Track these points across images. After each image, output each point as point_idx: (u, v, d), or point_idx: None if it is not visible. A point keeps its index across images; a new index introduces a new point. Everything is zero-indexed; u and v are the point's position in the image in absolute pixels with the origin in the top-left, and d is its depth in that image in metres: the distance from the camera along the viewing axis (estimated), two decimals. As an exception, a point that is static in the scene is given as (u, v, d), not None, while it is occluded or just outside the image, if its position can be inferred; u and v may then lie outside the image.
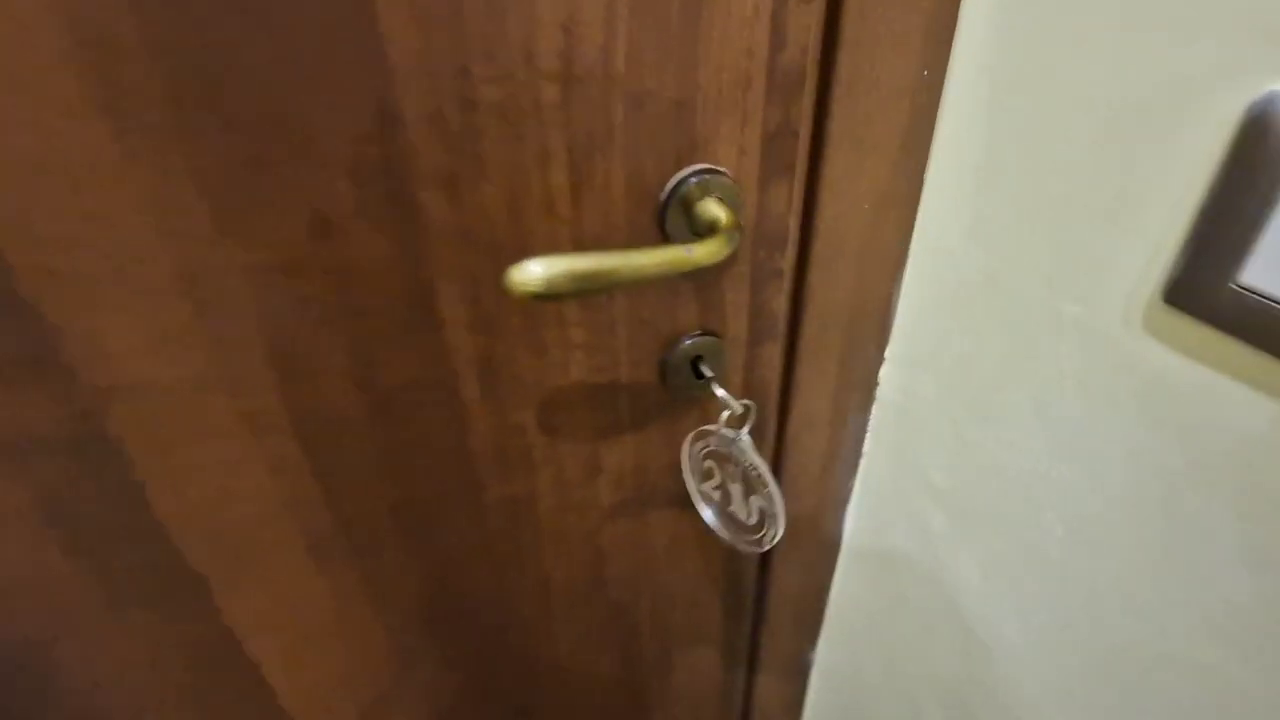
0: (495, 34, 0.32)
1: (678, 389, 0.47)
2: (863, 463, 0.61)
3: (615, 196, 0.38)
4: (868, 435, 0.59)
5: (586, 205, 0.38)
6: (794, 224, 0.45)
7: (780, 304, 0.48)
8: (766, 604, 0.69)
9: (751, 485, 0.45)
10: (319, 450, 0.40)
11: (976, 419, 0.48)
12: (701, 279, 0.44)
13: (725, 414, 0.44)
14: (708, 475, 0.49)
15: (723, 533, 0.50)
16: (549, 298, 0.31)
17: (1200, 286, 0.33)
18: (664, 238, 0.40)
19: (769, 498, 0.44)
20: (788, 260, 0.46)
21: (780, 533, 0.45)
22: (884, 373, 0.55)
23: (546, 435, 0.46)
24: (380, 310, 0.37)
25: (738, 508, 0.48)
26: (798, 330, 0.51)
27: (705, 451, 0.48)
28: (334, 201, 0.33)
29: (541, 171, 0.36)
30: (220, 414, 0.36)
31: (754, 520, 0.47)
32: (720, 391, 0.43)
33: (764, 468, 0.43)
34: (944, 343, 0.49)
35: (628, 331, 0.44)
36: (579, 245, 0.39)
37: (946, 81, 0.42)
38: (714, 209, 0.38)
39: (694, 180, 0.38)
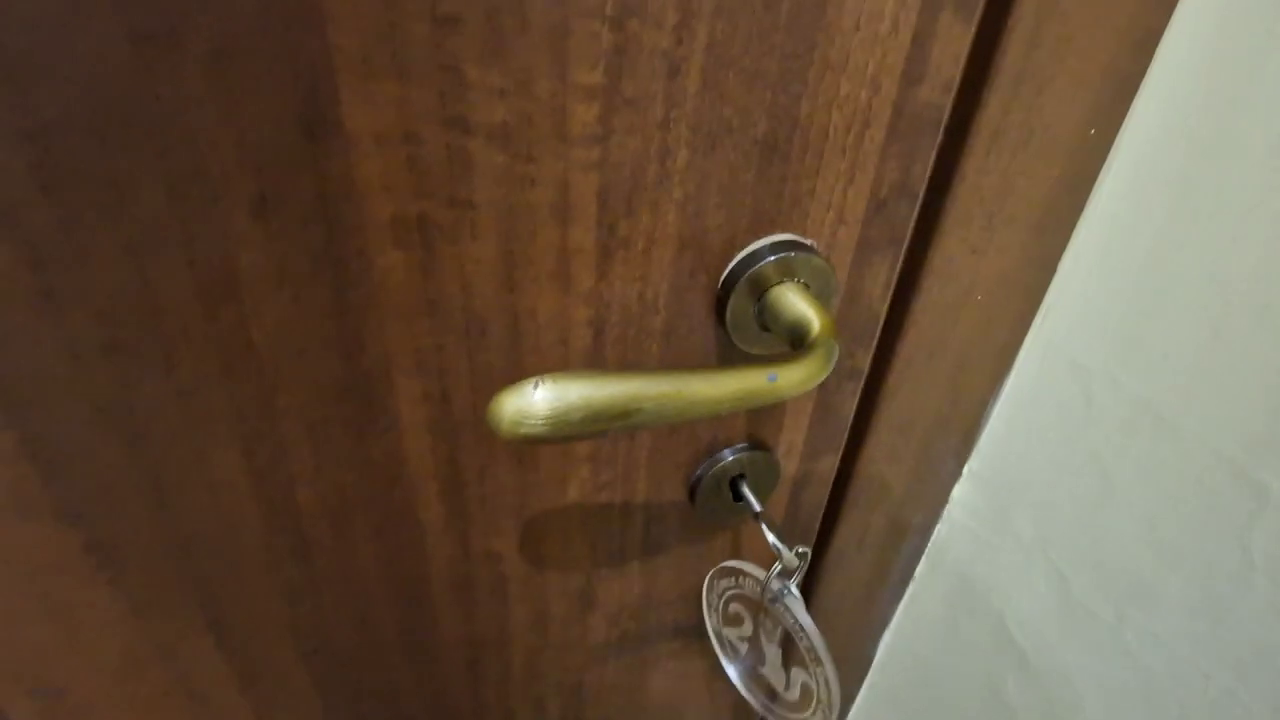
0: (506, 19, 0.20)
1: (709, 513, 0.35)
2: (911, 587, 0.50)
3: (659, 268, 0.26)
4: (923, 558, 0.48)
5: (617, 278, 0.26)
6: (883, 311, 0.34)
7: (849, 409, 0.36)
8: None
9: (795, 653, 0.34)
10: (207, 582, 0.28)
11: (1097, 586, 0.37)
12: (757, 377, 0.32)
13: (777, 566, 0.32)
14: (734, 620, 0.38)
15: (750, 696, 0.38)
16: (555, 441, 0.20)
17: None
18: (719, 327, 0.29)
19: (820, 680, 0.33)
20: (869, 357, 0.35)
21: (832, 726, 0.33)
22: (959, 491, 0.44)
23: (529, 566, 0.34)
24: (302, 404, 0.25)
25: (772, 673, 0.36)
26: (863, 438, 0.39)
27: (734, 593, 0.36)
28: (230, 246, 0.21)
29: (558, 228, 0.24)
30: (46, 541, 0.24)
31: (794, 695, 0.35)
32: (771, 537, 0.32)
33: (817, 638, 0.32)
34: (1052, 473, 0.38)
35: (652, 442, 0.32)
36: (599, 332, 0.27)
37: (1118, 142, 0.31)
38: (797, 304, 0.26)
39: (771, 257, 0.26)
